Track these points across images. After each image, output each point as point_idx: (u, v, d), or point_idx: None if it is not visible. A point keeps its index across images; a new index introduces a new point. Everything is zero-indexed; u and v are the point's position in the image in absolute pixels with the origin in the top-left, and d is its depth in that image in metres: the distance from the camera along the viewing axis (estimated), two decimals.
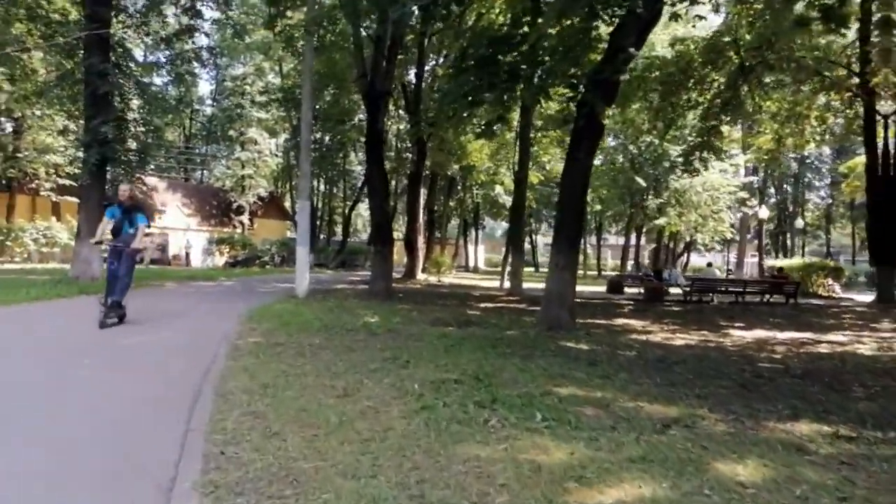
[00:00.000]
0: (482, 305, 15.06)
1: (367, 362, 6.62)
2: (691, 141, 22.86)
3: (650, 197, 33.23)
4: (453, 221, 55.76)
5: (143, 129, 18.68)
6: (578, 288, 27.18)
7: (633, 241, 45.53)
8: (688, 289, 20.82)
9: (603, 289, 26.97)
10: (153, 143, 20.08)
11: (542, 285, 25.99)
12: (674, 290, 21.86)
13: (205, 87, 74.55)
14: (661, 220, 32.05)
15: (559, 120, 19.98)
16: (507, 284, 24.72)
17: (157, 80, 33.48)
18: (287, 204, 51.47)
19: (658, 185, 33.15)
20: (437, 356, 6.99)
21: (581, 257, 68.83)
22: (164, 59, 19.49)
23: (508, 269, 25.67)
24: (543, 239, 74.61)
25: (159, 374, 6.10)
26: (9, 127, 29.19)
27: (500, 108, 11.20)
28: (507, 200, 44.89)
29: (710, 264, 28.57)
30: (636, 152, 31.29)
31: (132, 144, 18.28)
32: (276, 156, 47.86)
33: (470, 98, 10.84)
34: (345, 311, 11.78)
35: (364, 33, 16.65)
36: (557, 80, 10.17)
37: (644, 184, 32.41)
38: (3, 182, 30.20)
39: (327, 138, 48.52)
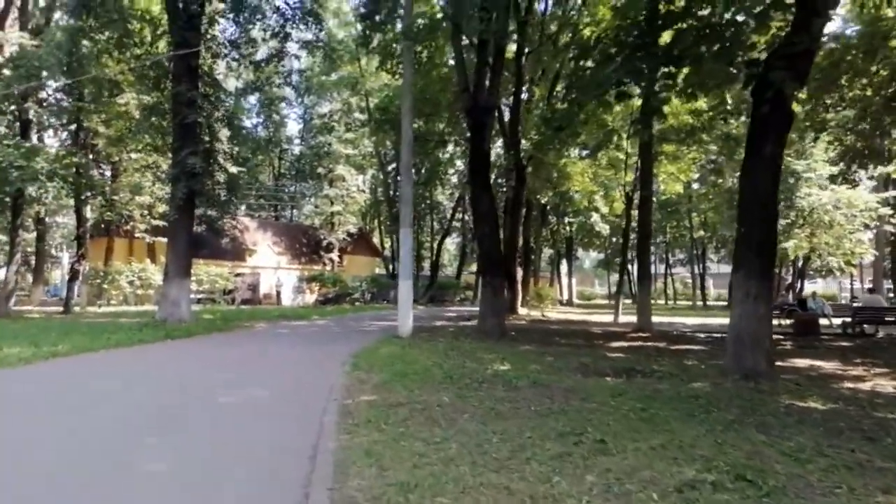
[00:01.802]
0: (615, 345, 12.73)
1: (536, 439, 4.59)
2: (833, 147, 19.77)
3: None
4: (544, 252, 53.37)
5: (231, 162, 17.69)
6: (701, 321, 24.55)
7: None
8: (843, 320, 17.73)
9: (727, 321, 23.88)
10: (242, 177, 19.05)
11: (663, 319, 23.45)
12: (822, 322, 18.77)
13: (293, 126, 76.32)
14: (790, 244, 28.46)
15: (684, 130, 17.69)
16: (622, 318, 22.25)
17: (247, 123, 33.56)
18: (376, 240, 50.74)
19: (782, 203, 29.60)
20: (635, 428, 4.87)
21: (678, 287, 64.72)
22: (252, 87, 18.49)
23: (623, 301, 23.21)
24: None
25: (247, 465, 4.28)
26: (107, 172, 29.63)
27: (655, 101, 9.05)
28: (604, 229, 42.50)
29: (814, 294, 24.92)
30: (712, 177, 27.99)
31: (220, 178, 17.28)
32: (364, 191, 47.31)
33: (614, 89, 8.77)
34: (463, 356, 9.81)
35: (465, 40, 15.05)
36: (738, 55, 7.93)
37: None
38: (102, 226, 30.52)
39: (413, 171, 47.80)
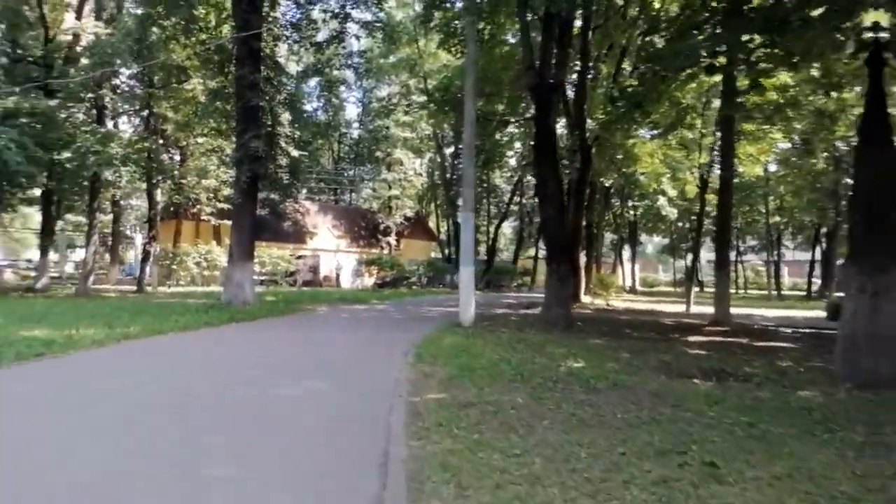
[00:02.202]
0: (694, 340, 11.90)
1: (631, 457, 4.01)
2: None
3: None
4: (606, 238, 51.88)
5: (293, 145, 17.53)
6: (781, 313, 23.05)
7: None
8: None
9: (810, 314, 22.42)
10: (304, 160, 18.92)
11: (738, 310, 22.13)
12: None
13: (352, 110, 76.66)
14: None
15: (771, 106, 16.38)
16: (693, 309, 21.18)
17: (307, 107, 33.55)
18: (432, 224, 50.44)
19: None
20: (746, 448, 4.21)
21: (749, 275, 61.88)
22: (313, 70, 18.25)
23: (695, 291, 22.13)
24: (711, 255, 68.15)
25: (310, 473, 3.86)
26: (176, 157, 30.27)
27: (752, 73, 8.16)
28: (671, 213, 40.84)
29: None
30: (825, 153, 25.90)
31: (283, 161, 17.13)
32: (420, 175, 47.01)
33: (705, 61, 7.93)
34: (531, 349, 9.24)
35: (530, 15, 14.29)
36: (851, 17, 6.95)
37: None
38: (171, 209, 31.24)
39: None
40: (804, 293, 45.71)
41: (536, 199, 52.03)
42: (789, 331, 14.72)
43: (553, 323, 12.96)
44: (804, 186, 29.82)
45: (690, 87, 20.62)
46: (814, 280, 44.81)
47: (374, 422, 4.98)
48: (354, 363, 8.02)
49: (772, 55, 7.87)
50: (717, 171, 21.17)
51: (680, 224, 53.62)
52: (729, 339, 12.13)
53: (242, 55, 15.49)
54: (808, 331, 14.94)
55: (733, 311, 21.40)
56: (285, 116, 17.43)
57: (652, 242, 76.09)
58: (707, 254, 66.98)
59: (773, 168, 36.61)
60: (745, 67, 8.20)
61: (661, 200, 39.27)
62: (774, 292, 44.60)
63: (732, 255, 56.66)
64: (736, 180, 32.25)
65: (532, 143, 19.04)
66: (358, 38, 18.47)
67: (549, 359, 8.23)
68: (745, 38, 7.70)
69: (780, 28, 7.21)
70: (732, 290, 50.76)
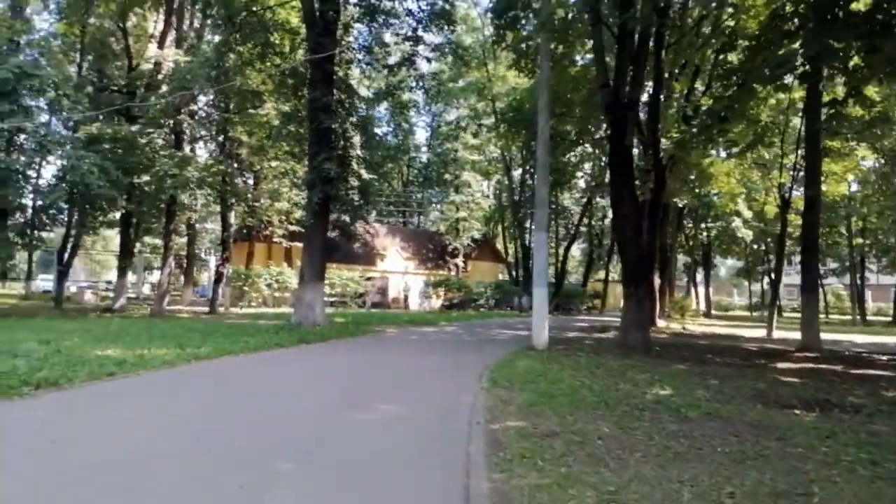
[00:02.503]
0: (783, 367, 11.14)
1: (742, 498, 3.64)
2: None
3: None
4: (679, 260, 50.23)
5: (364, 167, 17.74)
6: (870, 339, 21.52)
7: None
8: None
9: None
10: (374, 183, 19.12)
11: (828, 336, 20.80)
12: None
13: (421, 134, 77.68)
14: None
15: (859, 122, 15.42)
16: (775, 334, 20.06)
17: (378, 131, 34.10)
18: (499, 245, 50.17)
19: None
20: (876, 493, 3.78)
21: (830, 299, 58.65)
22: (385, 92, 18.49)
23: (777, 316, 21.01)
24: (787, 279, 64.95)
25: None
26: (250, 180, 31.29)
27: (853, 82, 7.64)
28: (747, 234, 39.21)
29: None
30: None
31: (354, 183, 17.35)
32: (488, 197, 46.97)
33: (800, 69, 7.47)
34: (611, 375, 8.84)
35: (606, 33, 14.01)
36: None
37: None
38: (244, 231, 32.20)
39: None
40: (890, 319, 42.94)
41: (607, 221, 51.21)
42: (885, 358, 13.65)
43: (631, 347, 12.46)
44: (890, 206, 27.87)
45: (769, 104, 19.84)
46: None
47: (453, 451, 4.77)
48: (428, 387, 7.84)
49: (871, 61, 7.33)
50: (798, 191, 20.15)
51: (755, 246, 51.51)
52: (821, 366, 11.31)
53: (316, 78, 15.83)
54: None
55: (797, 335, 20.21)
56: (357, 139, 17.63)
57: (725, 265, 73.25)
58: (785, 277, 64.12)
59: (855, 187, 34.68)
60: (843, 75, 7.66)
61: (737, 221, 37.87)
62: (858, 317, 41.93)
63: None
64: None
65: (606, 162, 18.58)
66: (429, 60, 18.51)
67: (633, 385, 7.83)
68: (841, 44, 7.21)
69: (882, 33, 6.71)
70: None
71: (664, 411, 6.26)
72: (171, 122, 21.80)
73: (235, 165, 27.09)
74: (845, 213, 35.11)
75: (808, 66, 7.53)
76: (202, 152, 30.39)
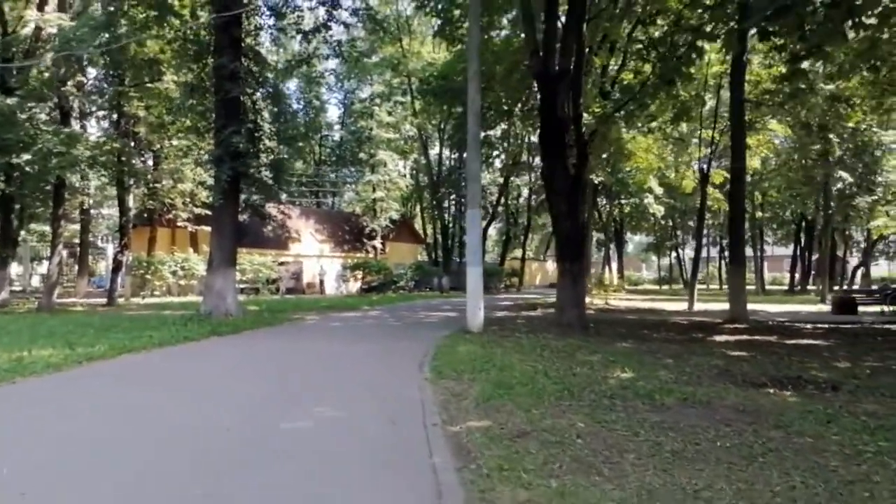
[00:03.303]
0: (722, 340, 10.98)
1: None
2: None
3: (859, 194, 26.86)
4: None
5: (277, 142, 16.33)
6: (779, 308, 22.35)
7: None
8: None
9: (811, 308, 21.76)
10: (288, 158, 17.67)
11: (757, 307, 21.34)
12: None
13: (333, 112, 75.29)
14: (879, 222, 25.89)
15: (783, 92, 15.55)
16: (697, 307, 20.40)
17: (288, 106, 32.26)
18: (418, 226, 49.41)
19: (864, 179, 26.93)
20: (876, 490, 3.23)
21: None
22: (299, 60, 16.95)
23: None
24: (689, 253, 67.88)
25: None
26: (150, 161, 28.81)
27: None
28: (658, 210, 40.30)
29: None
30: (837, 140, 25.05)
31: (266, 159, 15.96)
32: (405, 176, 45.95)
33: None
34: (560, 357, 8.22)
35: None
36: None
37: (850, 179, 26.35)
38: (145, 215, 29.73)
39: (454, 156, 46.23)
40: (786, 287, 45.60)
41: (522, 200, 51.30)
42: (809, 327, 13.90)
43: (568, 325, 11.99)
44: (796, 180, 29.08)
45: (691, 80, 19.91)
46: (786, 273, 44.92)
47: (415, 465, 3.89)
48: (365, 382, 6.89)
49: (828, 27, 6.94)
50: (718, 164, 20.44)
51: (664, 222, 53.37)
52: (757, 338, 11.26)
53: (222, 44, 14.30)
54: (826, 325, 14.15)
55: (722, 307, 20.71)
56: (267, 113, 16.20)
57: (633, 241, 75.78)
58: (691, 251, 67.03)
59: (758, 164, 36.19)
60: (801, 39, 7.27)
61: (649, 198, 38.72)
62: (755, 287, 44.29)
63: (715, 252, 56.64)
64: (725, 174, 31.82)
65: (537, 135, 17.91)
66: (346, 25, 17.16)
67: (590, 368, 7.22)
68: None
69: None
70: (716, 287, 50.55)
71: (635, 398, 5.64)
72: (56, 95, 19.42)
73: (133, 144, 24.73)
74: (750, 188, 36.57)
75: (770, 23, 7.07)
76: (95, 130, 27.73)
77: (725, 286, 55.63)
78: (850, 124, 20.72)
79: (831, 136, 22.12)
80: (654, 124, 20.86)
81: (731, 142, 15.48)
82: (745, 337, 11.47)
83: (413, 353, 8.99)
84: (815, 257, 46.56)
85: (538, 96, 23.56)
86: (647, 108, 19.99)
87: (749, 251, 59.68)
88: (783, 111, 17.30)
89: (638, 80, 19.49)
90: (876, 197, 26.08)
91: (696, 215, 22.73)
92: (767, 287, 47.88)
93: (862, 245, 44.29)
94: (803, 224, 41.76)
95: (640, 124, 21.18)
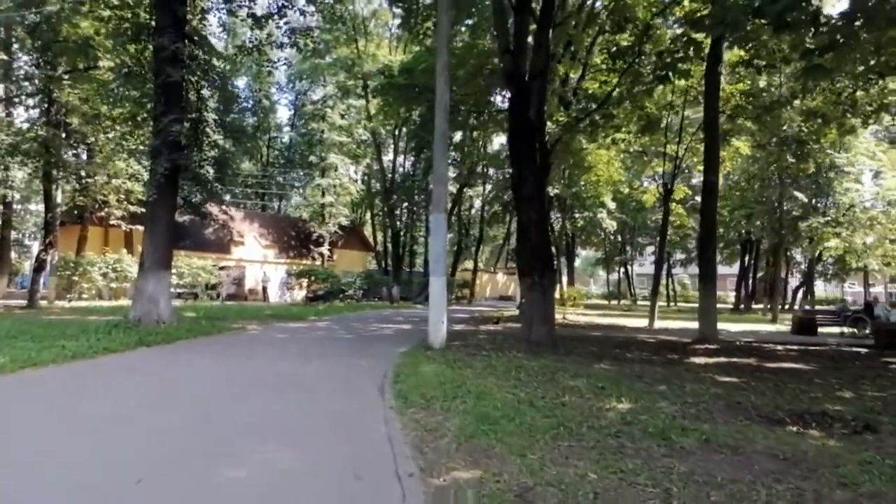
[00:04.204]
0: (700, 362, 10.26)
1: None
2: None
3: (813, 214, 27.04)
4: None
5: (222, 135, 14.96)
6: (742, 327, 22.03)
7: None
8: None
9: (769, 328, 21.65)
10: (233, 153, 16.25)
11: (681, 324, 21.03)
12: None
13: (283, 112, 73.20)
14: (832, 243, 26.09)
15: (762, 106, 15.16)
16: (658, 324, 19.92)
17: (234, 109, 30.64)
18: (368, 233, 48.09)
19: (817, 199, 27.20)
20: None
21: (678, 287, 62.76)
22: (250, 48, 15.53)
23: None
24: (640, 269, 68.62)
25: None
26: (84, 155, 26.71)
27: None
28: (611, 225, 40.31)
29: (876, 299, 22.88)
30: (792, 159, 25.11)
31: (209, 153, 14.59)
32: (356, 181, 44.59)
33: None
34: (539, 381, 7.26)
35: None
36: None
37: (804, 199, 26.54)
38: (75, 213, 27.51)
39: (408, 163, 45.21)
40: (732, 306, 46.24)
41: (474, 212, 50.58)
42: (780, 348, 13.42)
43: (536, 343, 11.09)
44: (752, 199, 29.17)
45: (657, 91, 19.54)
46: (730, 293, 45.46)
47: None
48: (319, 411, 5.74)
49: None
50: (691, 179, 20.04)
51: (614, 237, 53.67)
52: (735, 360, 10.62)
53: (163, 23, 12.91)
54: (796, 347, 13.72)
55: (680, 325, 20.36)
56: (213, 102, 14.82)
57: (580, 256, 76.11)
58: (638, 268, 67.72)
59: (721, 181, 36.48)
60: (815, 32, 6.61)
61: (602, 213, 38.55)
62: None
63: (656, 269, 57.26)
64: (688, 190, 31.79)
65: (507, 137, 16.97)
66: (304, 13, 15.93)
67: (578, 396, 6.28)
68: None
69: None
70: (663, 304, 51.13)
71: (645, 437, 4.72)
72: None
73: (64, 135, 22.75)
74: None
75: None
76: (23, 119, 25.54)
77: (679, 303, 56.62)
78: (825, 141, 20.74)
79: (807, 149, 22.00)
80: (618, 136, 20.34)
81: (703, 154, 14.96)
82: (723, 359, 10.80)
83: (372, 373, 7.90)
84: (758, 276, 47.50)
85: (506, 98, 22.97)
86: (613, 119, 19.52)
87: (695, 269, 61.62)
88: (759, 124, 16.97)
89: (603, 91, 19.05)
90: (829, 218, 26.35)
91: (659, 231, 22.31)
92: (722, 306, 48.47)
93: (803, 266, 45.27)
94: (749, 244, 42.36)
95: (604, 135, 20.66)
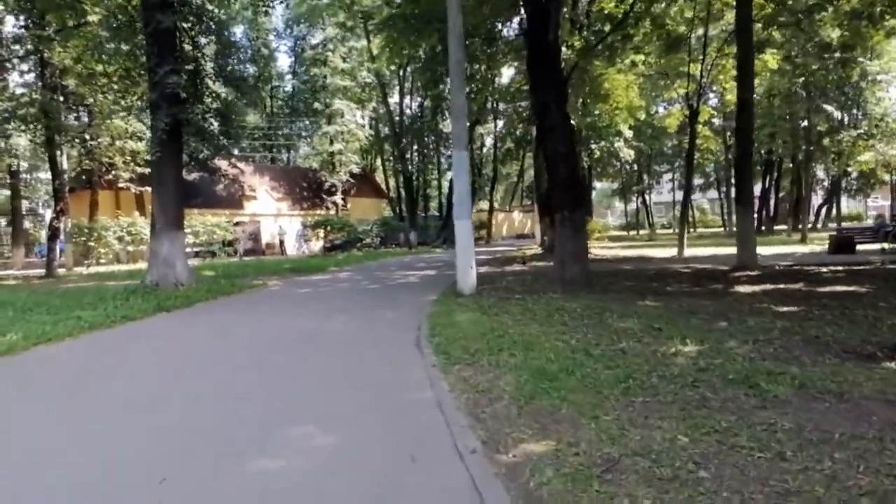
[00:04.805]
0: (750, 290, 9.63)
1: None
2: None
3: (844, 128, 25.76)
4: None
5: (223, 84, 14.14)
6: (775, 250, 21.22)
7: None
8: None
9: (803, 249, 20.91)
10: (237, 103, 15.42)
11: (725, 251, 20.36)
12: None
13: (284, 60, 71.32)
14: (866, 156, 24.90)
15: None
16: (687, 252, 19.28)
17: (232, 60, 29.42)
18: (380, 179, 47.29)
19: (848, 112, 25.89)
20: None
21: (697, 213, 61.57)
22: None
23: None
24: (658, 198, 67.48)
25: None
26: (84, 117, 25.95)
27: None
28: (628, 154, 39.17)
29: (880, 216, 21.97)
30: (820, 70, 23.60)
31: (211, 104, 13.83)
32: (364, 127, 43.47)
33: None
34: (587, 324, 6.71)
35: None
36: None
37: (836, 112, 25.23)
38: (83, 178, 27.01)
39: (415, 104, 43.92)
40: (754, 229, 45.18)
41: (486, 150, 49.39)
42: (825, 270, 12.73)
43: (570, 282, 10.50)
44: (778, 115, 27.83)
45: (680, 3, 18.32)
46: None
47: None
48: (352, 375, 5.20)
49: None
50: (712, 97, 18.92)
51: (630, 167, 52.38)
52: (783, 286, 9.97)
53: None
54: (841, 268, 13.02)
55: (710, 252, 19.68)
56: (210, 49, 13.93)
57: (595, 188, 74.81)
58: (656, 196, 66.50)
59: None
60: None
61: (620, 142, 37.34)
62: (726, 229, 43.82)
63: (680, 195, 56.00)
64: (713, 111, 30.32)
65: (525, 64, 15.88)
66: None
67: (635, 340, 5.72)
68: None
69: None
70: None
71: (728, 385, 4.17)
72: None
73: (62, 98, 21.97)
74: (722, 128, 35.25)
75: None
76: (19, 84, 24.74)
77: (699, 229, 55.70)
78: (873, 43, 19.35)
79: (851, 55, 20.55)
80: (638, 57, 19.17)
81: (736, 68, 13.91)
82: (769, 286, 10.16)
83: (404, 326, 7.42)
84: (780, 196, 46.26)
85: (513, 27, 21.68)
86: (632, 40, 18.35)
87: (714, 193, 60.18)
88: (797, 30, 15.74)
89: (619, 11, 17.81)
90: (861, 131, 25.08)
91: (683, 156, 21.35)
92: (734, 229, 47.50)
93: (825, 184, 44.01)
94: (770, 164, 41.01)
95: (622, 58, 19.49)
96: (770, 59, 19.00)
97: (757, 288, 9.94)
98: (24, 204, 36.57)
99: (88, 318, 8.42)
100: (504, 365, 5.03)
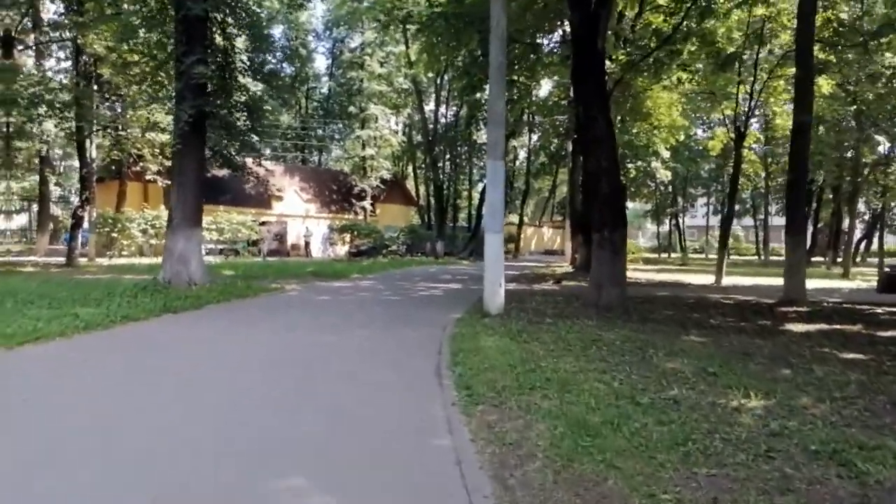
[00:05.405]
0: (804, 329, 8.76)
1: None
2: None
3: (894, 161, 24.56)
4: None
5: (252, 78, 13.68)
6: (816, 284, 19.99)
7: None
8: None
9: (850, 284, 19.75)
10: (267, 98, 14.93)
11: (762, 282, 19.36)
12: None
13: (321, 62, 71.39)
14: None
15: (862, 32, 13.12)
16: (725, 281, 18.30)
17: (271, 59, 29.21)
18: (410, 186, 46.82)
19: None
20: None
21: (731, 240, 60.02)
22: None
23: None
24: (690, 221, 65.95)
25: None
26: (119, 108, 25.94)
27: None
28: (665, 175, 38.03)
29: None
30: (875, 100, 22.46)
31: (239, 98, 13.38)
32: (397, 133, 43.13)
33: None
34: (636, 364, 5.93)
35: None
36: None
37: (885, 144, 24.07)
38: (113, 168, 26.97)
39: (451, 113, 43.44)
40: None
41: (518, 163, 48.65)
42: (881, 311, 11.76)
43: (606, 308, 9.75)
44: (826, 143, 26.59)
45: (731, 21, 17.48)
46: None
47: None
48: (359, 412, 4.50)
49: None
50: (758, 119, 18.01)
51: (665, 188, 51.06)
52: (840, 327, 9.07)
53: None
54: None
55: (749, 282, 18.64)
56: (241, 41, 13.48)
57: (628, 208, 73.52)
58: (689, 219, 64.99)
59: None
60: None
61: (657, 162, 36.33)
62: (762, 258, 42.30)
63: (715, 221, 54.53)
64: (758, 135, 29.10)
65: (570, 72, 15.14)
66: None
67: (685, 385, 4.94)
68: None
69: None
70: (714, 256, 48.92)
71: (814, 461, 3.40)
72: None
73: (96, 87, 21.88)
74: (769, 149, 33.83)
75: None
76: (54, 73, 24.81)
77: (733, 256, 54.11)
78: None
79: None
80: (685, 74, 18.34)
81: (794, 90, 13.03)
82: (823, 326, 9.28)
83: (424, 349, 6.77)
84: (818, 226, 44.57)
85: (551, 41, 20.95)
86: (679, 56, 17.55)
87: (749, 221, 58.49)
88: (864, 52, 14.78)
89: (669, 25, 17.03)
90: None
91: (727, 180, 20.40)
92: (774, 258, 45.96)
93: (866, 217, 42.38)
94: (810, 193, 39.49)
95: (669, 75, 18.68)
96: (824, 83, 18.03)
97: (811, 327, 9.06)
98: (56, 191, 36.88)
99: (86, 317, 7.90)
100: (536, 410, 4.31)
